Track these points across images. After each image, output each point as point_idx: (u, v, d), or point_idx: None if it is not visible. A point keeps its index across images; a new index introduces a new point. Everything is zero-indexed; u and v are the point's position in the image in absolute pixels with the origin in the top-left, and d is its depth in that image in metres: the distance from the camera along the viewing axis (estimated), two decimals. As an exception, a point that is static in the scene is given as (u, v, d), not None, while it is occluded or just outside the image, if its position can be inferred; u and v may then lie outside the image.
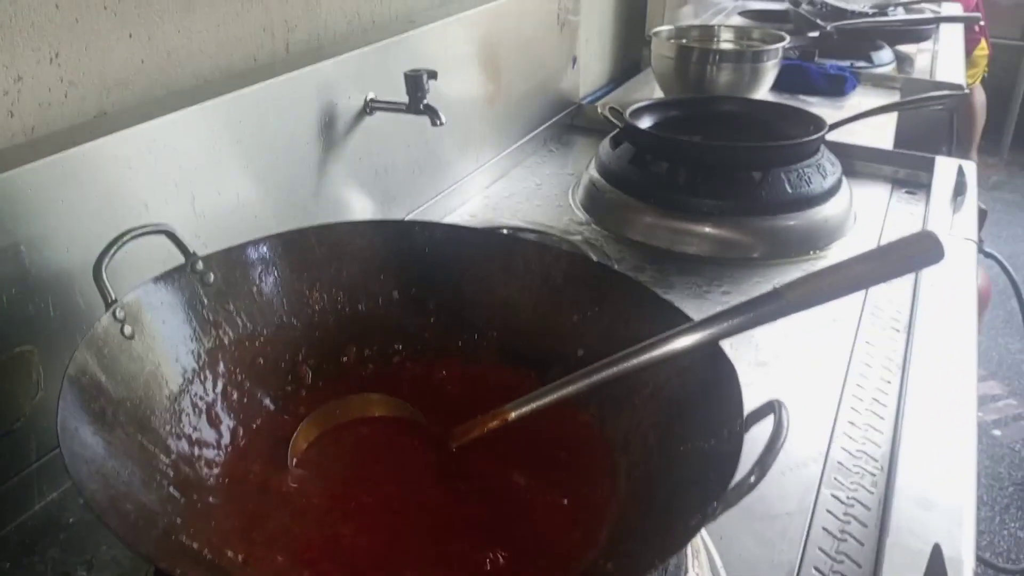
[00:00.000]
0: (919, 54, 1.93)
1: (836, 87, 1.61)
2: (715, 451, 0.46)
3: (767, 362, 0.81)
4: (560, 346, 0.60)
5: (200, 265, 0.57)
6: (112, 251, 0.51)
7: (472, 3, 1.10)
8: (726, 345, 0.51)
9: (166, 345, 0.54)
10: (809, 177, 1.01)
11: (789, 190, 0.99)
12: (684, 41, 1.52)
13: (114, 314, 0.50)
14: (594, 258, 0.93)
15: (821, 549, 0.60)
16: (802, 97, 1.58)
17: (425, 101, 0.88)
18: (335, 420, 0.57)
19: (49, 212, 0.59)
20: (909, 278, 0.93)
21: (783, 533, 0.61)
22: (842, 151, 1.13)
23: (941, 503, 0.62)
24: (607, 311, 0.60)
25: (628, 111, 1.12)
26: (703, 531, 0.57)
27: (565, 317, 0.61)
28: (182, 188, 0.70)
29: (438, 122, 0.87)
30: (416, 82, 0.87)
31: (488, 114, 1.17)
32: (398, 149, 0.98)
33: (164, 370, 0.53)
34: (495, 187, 1.20)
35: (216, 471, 0.53)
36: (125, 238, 0.52)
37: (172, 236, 0.56)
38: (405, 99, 0.88)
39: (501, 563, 0.48)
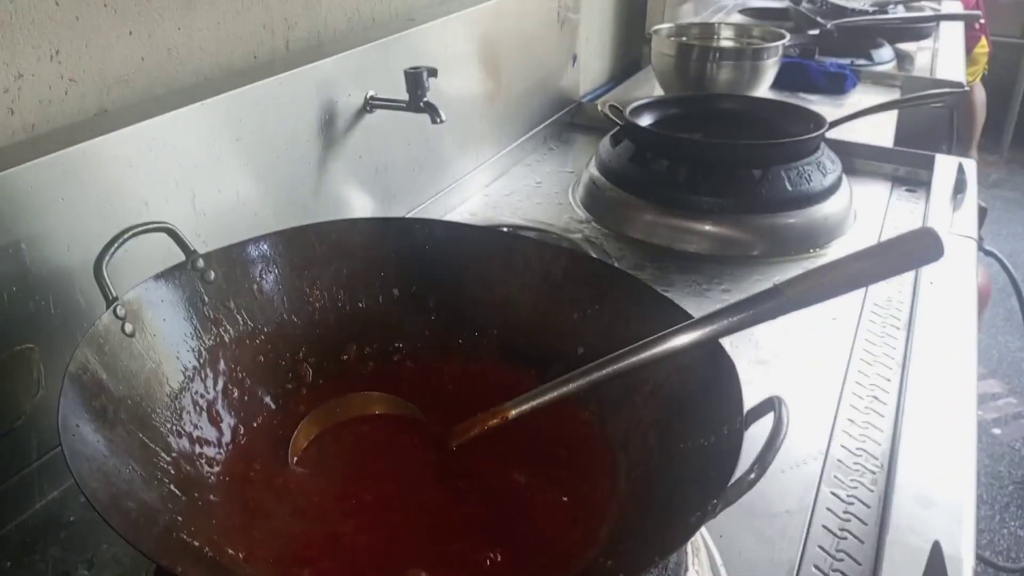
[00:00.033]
0: (919, 52, 1.92)
1: (836, 85, 1.61)
2: (715, 449, 0.46)
3: (767, 360, 0.81)
4: (560, 344, 0.61)
5: (200, 263, 0.57)
6: (113, 249, 0.52)
7: (472, 1, 1.10)
8: (726, 343, 0.51)
9: (167, 343, 0.54)
10: (809, 175, 1.01)
11: (789, 188, 0.99)
12: (684, 39, 1.52)
13: (115, 312, 0.50)
14: (594, 256, 0.93)
15: (821, 547, 0.60)
16: (802, 95, 1.58)
17: (425, 99, 0.88)
18: (335, 418, 0.57)
19: (49, 210, 0.59)
20: (909, 276, 0.93)
21: (783, 531, 0.61)
22: (842, 149, 1.13)
23: (941, 501, 0.62)
24: (607, 309, 0.60)
25: (628, 109, 1.12)
26: (703, 529, 0.57)
27: (565, 315, 0.61)
28: (182, 186, 0.70)
29: (438, 120, 0.87)
30: (416, 80, 0.87)
31: (488, 112, 1.17)
32: (398, 147, 0.98)
33: (165, 368, 0.53)
34: (495, 185, 1.20)
35: (217, 469, 0.53)
36: (126, 236, 0.52)
37: (172, 234, 0.56)
38: (405, 97, 0.88)
39: (501, 561, 0.48)
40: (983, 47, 3.23)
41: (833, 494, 0.65)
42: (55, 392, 0.44)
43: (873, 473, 0.67)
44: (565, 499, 0.52)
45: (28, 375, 0.60)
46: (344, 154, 0.89)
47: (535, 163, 1.28)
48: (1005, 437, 2.31)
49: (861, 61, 1.76)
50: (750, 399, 0.47)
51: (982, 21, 2.84)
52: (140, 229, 0.53)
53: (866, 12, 1.92)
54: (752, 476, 0.41)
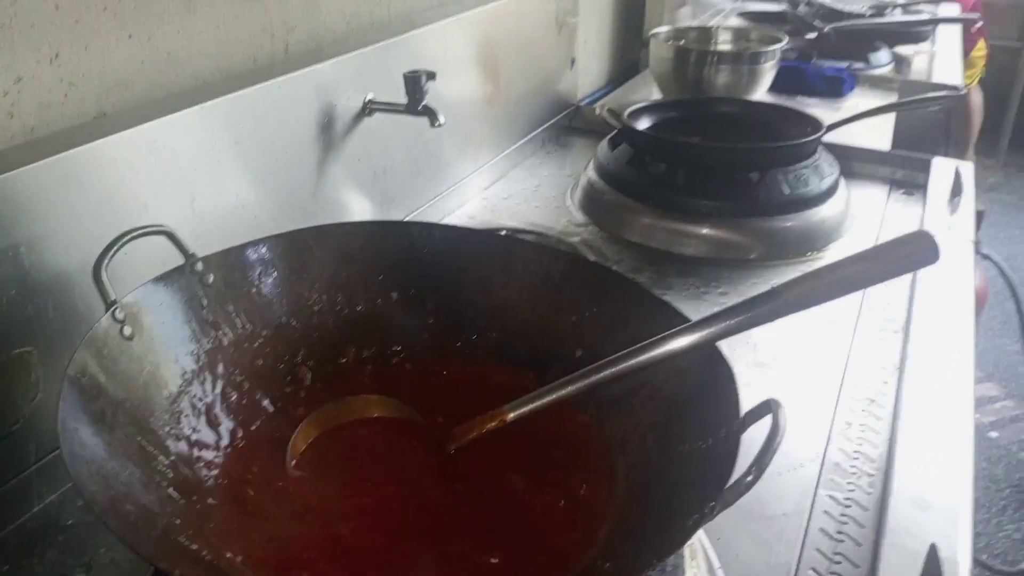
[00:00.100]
0: (917, 55, 1.93)
1: (834, 88, 1.61)
2: (712, 451, 0.46)
3: (765, 363, 0.81)
4: (558, 347, 0.61)
5: (199, 266, 0.57)
6: (112, 252, 0.52)
7: (471, 4, 1.10)
8: (724, 346, 0.52)
9: (165, 346, 0.54)
10: (807, 178, 1.01)
11: (787, 191, 0.99)
12: (682, 42, 1.53)
13: (114, 315, 0.50)
14: (592, 259, 0.93)
15: (818, 550, 0.60)
16: (800, 98, 1.58)
17: (424, 102, 0.88)
18: (334, 421, 0.58)
19: (49, 213, 0.59)
20: (906, 279, 0.93)
21: (780, 534, 0.61)
22: (839, 152, 1.13)
23: (938, 504, 0.62)
24: (605, 312, 0.60)
25: (626, 112, 1.12)
26: (701, 532, 0.57)
27: (563, 318, 0.62)
28: (181, 189, 0.70)
29: (437, 123, 0.87)
30: (415, 83, 0.87)
31: (487, 115, 1.17)
32: (397, 150, 0.98)
33: (163, 371, 0.53)
34: (494, 188, 1.20)
35: (215, 472, 0.53)
36: (124, 239, 0.52)
37: (171, 237, 0.56)
38: (404, 100, 0.88)
39: (499, 563, 0.48)
40: (981, 50, 3.24)
41: (830, 497, 0.65)
42: (53, 395, 0.44)
43: (870, 476, 0.67)
44: (563, 501, 0.52)
45: (27, 378, 0.60)
46: (343, 157, 0.89)
47: (533, 166, 1.28)
48: (1002, 440, 2.32)
49: (858, 64, 1.76)
50: (748, 402, 0.47)
51: (980, 24, 2.85)
52: (139, 232, 0.53)
53: (863, 15, 1.92)
54: (749, 479, 0.41)
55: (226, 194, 0.75)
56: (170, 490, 0.48)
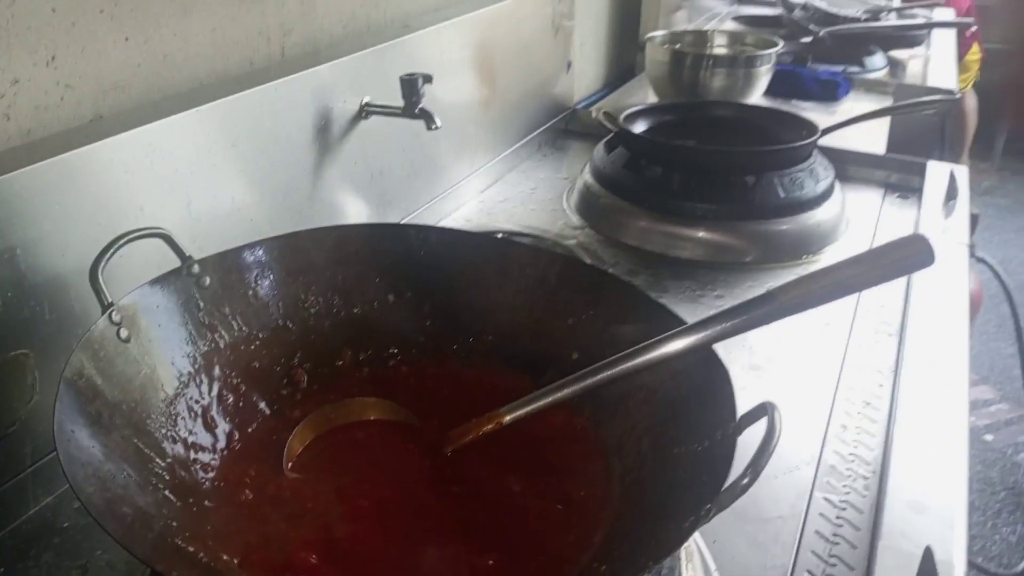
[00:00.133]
0: (911, 59, 1.93)
1: (829, 92, 1.62)
2: (708, 454, 0.46)
3: (760, 365, 0.81)
4: (554, 349, 0.61)
5: (196, 268, 0.57)
6: (108, 254, 0.52)
7: (467, 8, 1.10)
8: (720, 348, 0.52)
9: (162, 348, 0.54)
10: (802, 182, 1.01)
11: (782, 194, 1.00)
12: (678, 46, 1.53)
13: (110, 317, 0.50)
14: (588, 262, 0.94)
15: (814, 552, 0.60)
16: (795, 102, 1.59)
17: (420, 105, 0.88)
18: (330, 424, 0.58)
19: (45, 216, 0.59)
20: (901, 282, 0.94)
21: (776, 536, 0.62)
22: (835, 156, 1.13)
23: (933, 506, 0.62)
24: (601, 315, 0.60)
25: (622, 116, 1.13)
26: (696, 534, 0.57)
27: (560, 321, 0.62)
28: (178, 191, 0.70)
29: (433, 126, 0.87)
30: (411, 86, 0.87)
31: (483, 118, 1.18)
32: (393, 153, 0.98)
33: (160, 373, 0.53)
34: (490, 191, 1.20)
35: (211, 474, 0.53)
36: (121, 241, 0.52)
37: (168, 239, 0.56)
38: (400, 103, 0.88)
39: (495, 566, 0.48)
40: (975, 54, 3.25)
41: (826, 499, 0.65)
42: (50, 398, 0.44)
43: (866, 479, 0.67)
44: (559, 504, 0.52)
45: (23, 381, 0.60)
46: (339, 160, 0.89)
47: (530, 169, 1.29)
48: (997, 443, 2.32)
49: (854, 68, 1.77)
50: (743, 404, 0.47)
51: (974, 28, 2.86)
52: (135, 235, 0.53)
53: (859, 19, 1.92)
54: (745, 481, 0.41)
55: (222, 197, 0.75)
56: (167, 492, 0.48)
